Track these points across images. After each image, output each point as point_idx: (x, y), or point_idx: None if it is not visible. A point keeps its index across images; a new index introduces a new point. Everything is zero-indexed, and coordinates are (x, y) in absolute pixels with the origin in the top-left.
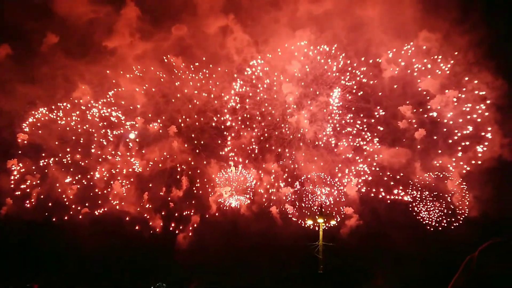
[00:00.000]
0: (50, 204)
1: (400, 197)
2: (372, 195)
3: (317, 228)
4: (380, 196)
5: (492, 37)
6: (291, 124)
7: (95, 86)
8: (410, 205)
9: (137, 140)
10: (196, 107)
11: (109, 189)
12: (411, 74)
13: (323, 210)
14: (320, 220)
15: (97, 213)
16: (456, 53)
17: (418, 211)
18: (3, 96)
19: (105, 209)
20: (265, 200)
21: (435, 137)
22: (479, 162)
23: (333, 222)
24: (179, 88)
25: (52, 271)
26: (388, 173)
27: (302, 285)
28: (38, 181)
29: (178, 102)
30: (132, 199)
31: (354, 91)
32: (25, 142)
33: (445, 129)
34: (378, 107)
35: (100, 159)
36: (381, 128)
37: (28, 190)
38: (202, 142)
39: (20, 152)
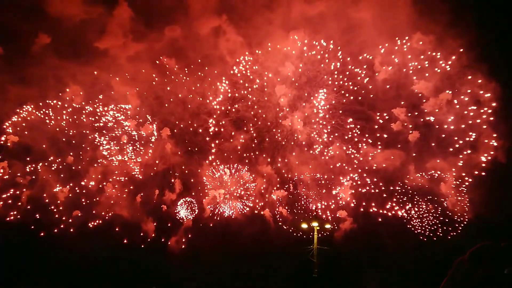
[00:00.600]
0: (39, 207)
1: (393, 211)
2: (364, 203)
3: (311, 236)
4: (373, 209)
5: (486, 40)
6: (284, 126)
7: (87, 88)
8: (405, 218)
9: (130, 142)
10: (189, 109)
11: (101, 192)
12: (404, 76)
13: (317, 213)
14: (315, 224)
15: (88, 218)
16: (453, 56)
17: (413, 223)
18: None
19: (97, 212)
20: (259, 203)
21: (429, 140)
22: (474, 165)
23: (327, 226)
24: (172, 90)
25: (41, 276)
26: (380, 181)
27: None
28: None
29: (171, 104)
30: (124, 203)
31: (347, 94)
32: (9, 144)
33: (439, 132)
34: (373, 111)
35: (91, 162)
36: (375, 131)
37: (17, 192)
38: (195, 146)
39: (9, 153)
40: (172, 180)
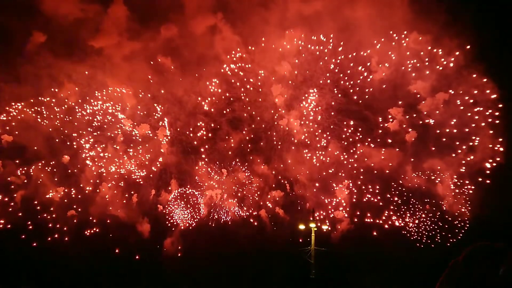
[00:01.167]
0: (34, 207)
1: (390, 220)
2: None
3: (308, 239)
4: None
5: (483, 39)
6: (281, 126)
7: (82, 87)
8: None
9: (126, 142)
10: (185, 109)
11: (96, 192)
12: (401, 76)
13: (315, 214)
14: (312, 225)
15: (83, 219)
16: (450, 56)
17: (409, 229)
18: None
19: (91, 213)
20: (255, 204)
21: (426, 140)
22: (472, 165)
23: (325, 227)
24: (168, 90)
25: (34, 277)
26: (377, 181)
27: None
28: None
29: (167, 104)
30: (119, 203)
31: (340, 95)
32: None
33: (436, 132)
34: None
35: (87, 161)
36: (372, 130)
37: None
38: (191, 146)
39: (3, 153)
40: (169, 180)
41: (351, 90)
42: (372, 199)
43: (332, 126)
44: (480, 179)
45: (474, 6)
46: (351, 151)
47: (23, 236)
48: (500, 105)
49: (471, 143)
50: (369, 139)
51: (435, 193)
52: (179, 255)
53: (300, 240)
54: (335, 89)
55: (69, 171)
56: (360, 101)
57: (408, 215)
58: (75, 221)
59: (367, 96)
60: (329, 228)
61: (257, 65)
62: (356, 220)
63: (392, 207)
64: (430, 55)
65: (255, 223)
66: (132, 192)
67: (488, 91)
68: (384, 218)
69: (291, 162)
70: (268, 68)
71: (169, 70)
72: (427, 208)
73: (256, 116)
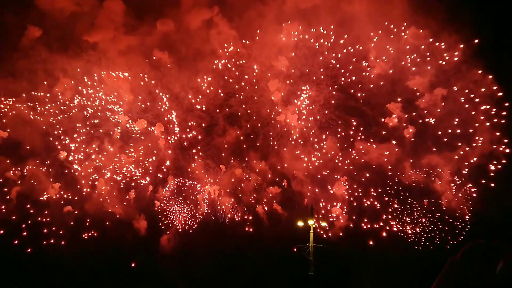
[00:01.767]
0: (29, 203)
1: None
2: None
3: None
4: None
5: (482, 35)
6: (278, 122)
7: (78, 82)
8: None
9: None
10: (182, 105)
11: (93, 188)
12: (399, 71)
13: (314, 211)
14: (311, 222)
15: (79, 213)
16: (449, 51)
17: (407, 230)
18: None
19: (88, 209)
20: (253, 200)
21: (424, 136)
22: (470, 162)
23: (323, 224)
24: (165, 85)
25: (30, 275)
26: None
27: (292, 287)
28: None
29: (165, 99)
30: (116, 199)
31: (335, 87)
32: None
33: (434, 128)
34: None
35: (83, 157)
36: (370, 126)
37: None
38: (188, 141)
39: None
40: (166, 177)
41: (349, 86)
42: (370, 196)
43: (328, 121)
44: (483, 181)
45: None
46: (349, 147)
47: (20, 234)
48: (501, 100)
49: (469, 137)
50: (367, 135)
51: (434, 191)
52: (175, 252)
53: (299, 232)
54: (334, 85)
55: (65, 167)
56: (358, 97)
57: (406, 214)
58: (71, 222)
59: (364, 94)
60: (327, 227)
61: (254, 60)
62: (354, 217)
63: (390, 204)
64: (429, 49)
65: (253, 220)
66: (129, 189)
67: (487, 86)
68: (383, 216)
69: (288, 158)
70: (265, 63)
71: (165, 65)
72: (425, 205)
73: (253, 112)
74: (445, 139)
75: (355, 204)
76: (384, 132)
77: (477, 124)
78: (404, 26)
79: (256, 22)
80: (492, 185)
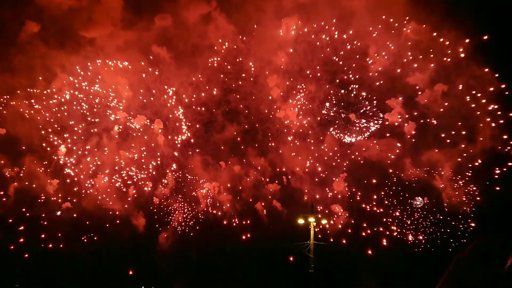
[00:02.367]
0: (28, 199)
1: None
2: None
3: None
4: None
5: (483, 31)
6: (277, 118)
7: (76, 78)
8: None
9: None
10: (181, 101)
11: (91, 185)
12: (400, 67)
13: (314, 208)
14: (311, 219)
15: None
16: (450, 47)
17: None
18: None
19: (86, 206)
20: (251, 197)
21: (425, 132)
22: (472, 159)
23: (324, 221)
24: (164, 81)
25: (27, 272)
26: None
27: (292, 285)
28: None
29: (163, 95)
30: (114, 196)
31: (337, 86)
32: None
33: (435, 124)
34: (365, 100)
35: (81, 154)
36: (370, 122)
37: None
38: (188, 138)
39: None
40: (165, 173)
41: (349, 81)
42: (370, 194)
43: (329, 118)
44: (486, 178)
45: None
46: (349, 144)
47: (18, 233)
48: (501, 96)
49: (469, 133)
50: (366, 131)
51: (435, 188)
52: (174, 250)
53: (299, 229)
54: (334, 81)
55: (63, 164)
56: (359, 93)
57: (406, 213)
58: (70, 219)
59: (364, 90)
60: (327, 226)
61: (253, 55)
62: (354, 214)
63: (390, 202)
64: (430, 45)
65: (252, 217)
66: (128, 186)
67: (488, 82)
68: (383, 214)
69: (288, 155)
70: (264, 58)
71: (163, 61)
72: (426, 203)
73: (252, 108)
74: (446, 136)
75: (354, 201)
76: (384, 129)
77: (480, 124)
78: (405, 21)
79: (254, 16)
80: (495, 182)
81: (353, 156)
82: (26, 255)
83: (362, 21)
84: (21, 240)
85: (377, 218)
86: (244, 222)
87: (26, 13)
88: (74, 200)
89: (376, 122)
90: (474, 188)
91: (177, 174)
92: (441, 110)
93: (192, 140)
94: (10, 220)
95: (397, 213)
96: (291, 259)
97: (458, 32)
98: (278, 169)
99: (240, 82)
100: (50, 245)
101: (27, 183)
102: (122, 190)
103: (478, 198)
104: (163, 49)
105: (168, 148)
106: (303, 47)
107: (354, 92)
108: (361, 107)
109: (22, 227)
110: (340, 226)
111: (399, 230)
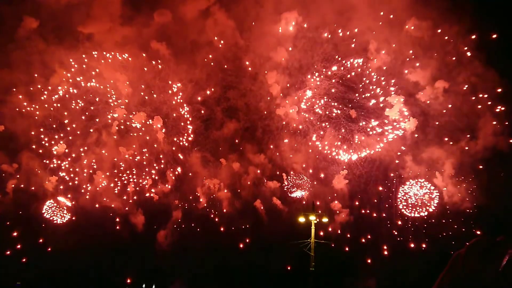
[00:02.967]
0: (27, 196)
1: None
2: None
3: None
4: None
5: (483, 28)
6: (277, 114)
7: (75, 73)
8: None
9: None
10: (181, 97)
11: (89, 182)
12: (400, 63)
13: (315, 206)
14: (312, 218)
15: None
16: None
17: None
18: None
19: (85, 203)
20: (252, 194)
21: (425, 129)
22: (471, 154)
23: (325, 220)
24: (164, 77)
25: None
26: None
27: (293, 283)
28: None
29: (163, 92)
30: (113, 193)
31: (332, 79)
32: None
33: (436, 120)
34: (365, 95)
35: (81, 150)
36: (370, 118)
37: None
38: (188, 135)
39: None
40: (165, 171)
41: (349, 78)
42: (370, 191)
43: (328, 113)
44: (479, 168)
45: None
46: (349, 140)
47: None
48: (502, 93)
49: (470, 130)
50: (366, 128)
51: (435, 185)
52: (173, 247)
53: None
54: (334, 77)
55: (62, 160)
56: (359, 89)
57: (407, 209)
58: (68, 217)
59: (364, 86)
60: (329, 219)
61: (252, 51)
62: (355, 211)
63: (390, 198)
64: (431, 41)
65: (253, 215)
66: (128, 183)
67: (489, 79)
68: (383, 212)
69: (288, 151)
70: (264, 55)
71: (163, 57)
72: (426, 200)
73: (252, 105)
74: (447, 132)
75: (355, 195)
76: (384, 125)
77: (476, 114)
78: (408, 19)
79: (254, 12)
80: (496, 179)
81: (353, 152)
82: (24, 260)
83: (363, 16)
84: (20, 240)
85: (377, 215)
86: (243, 220)
87: (24, 9)
88: (72, 200)
89: (376, 118)
90: (475, 184)
91: (177, 171)
92: (442, 105)
93: (191, 137)
94: (8, 223)
95: (397, 209)
96: (292, 257)
97: (459, 28)
98: (278, 166)
99: (239, 79)
100: (49, 249)
101: (22, 186)
102: (121, 188)
103: (477, 190)
104: (163, 45)
105: (168, 145)
106: (303, 42)
107: (355, 88)
108: (361, 103)
109: (20, 226)
110: (340, 224)
111: (400, 225)
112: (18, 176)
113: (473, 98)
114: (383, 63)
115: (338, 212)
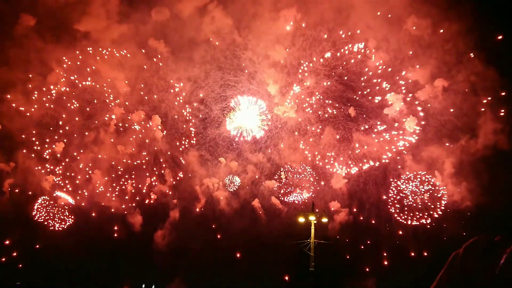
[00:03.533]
0: (24, 195)
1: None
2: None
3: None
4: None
5: (483, 26)
6: (276, 113)
7: (72, 72)
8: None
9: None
10: (179, 96)
11: (88, 181)
12: (399, 62)
13: (314, 206)
14: (312, 218)
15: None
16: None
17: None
18: None
19: (82, 203)
20: (251, 193)
21: (425, 128)
22: (471, 153)
23: (325, 220)
24: (162, 76)
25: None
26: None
27: (293, 283)
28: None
29: (161, 91)
30: (111, 193)
31: (336, 80)
32: None
33: (435, 119)
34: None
35: (78, 150)
36: (370, 117)
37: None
38: (186, 134)
39: None
40: (163, 170)
41: (348, 76)
42: (369, 190)
43: (327, 112)
44: (479, 166)
45: None
46: (348, 139)
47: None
48: (502, 91)
49: (470, 128)
50: (366, 126)
51: (435, 184)
52: (172, 247)
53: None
54: (333, 76)
55: (60, 159)
56: (358, 87)
57: (406, 208)
58: (66, 215)
59: (363, 84)
60: (329, 219)
61: (251, 50)
62: (354, 210)
63: (390, 197)
64: (431, 39)
65: (254, 214)
66: (126, 182)
67: (489, 78)
68: (383, 211)
69: (287, 150)
70: (262, 53)
71: (162, 55)
72: (426, 199)
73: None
74: (447, 131)
75: (354, 195)
76: (384, 123)
77: (475, 112)
78: (404, 17)
79: (252, 11)
80: (496, 178)
81: (352, 152)
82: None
83: (362, 14)
84: (17, 240)
85: (377, 215)
86: (243, 219)
87: (21, 6)
88: (71, 198)
89: (375, 117)
90: (475, 183)
91: (176, 171)
92: (441, 103)
93: (190, 136)
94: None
95: (397, 208)
96: (292, 257)
97: (458, 27)
98: (276, 165)
99: (238, 77)
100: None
101: (19, 185)
102: (119, 187)
103: (478, 189)
104: (160, 44)
105: (166, 145)
106: (301, 41)
107: (354, 87)
108: (360, 101)
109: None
110: (340, 224)
111: (400, 224)
112: (14, 174)
113: (473, 97)
114: (382, 61)
115: (338, 212)
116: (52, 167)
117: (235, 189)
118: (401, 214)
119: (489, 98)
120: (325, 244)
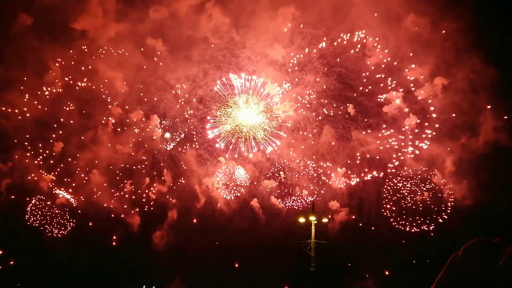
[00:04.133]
0: (21, 194)
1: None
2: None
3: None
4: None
5: (482, 24)
6: (275, 112)
7: (70, 72)
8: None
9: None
10: (178, 96)
11: (86, 181)
12: (399, 60)
13: (314, 206)
14: (312, 218)
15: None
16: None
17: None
18: None
19: (81, 203)
20: (250, 193)
21: (425, 126)
22: (470, 151)
23: (325, 220)
24: (160, 75)
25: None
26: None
27: (293, 283)
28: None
29: (159, 90)
30: (109, 193)
31: (334, 77)
32: None
33: (435, 117)
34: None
35: (77, 149)
36: (369, 116)
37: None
38: (186, 133)
39: None
40: (162, 170)
41: (347, 75)
42: (369, 189)
43: (327, 112)
44: (479, 164)
45: None
46: (347, 137)
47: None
48: (502, 90)
49: (470, 126)
50: (365, 125)
51: (435, 182)
52: (172, 247)
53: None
54: (332, 74)
55: (58, 159)
56: (357, 86)
57: (406, 208)
58: (65, 215)
59: (362, 83)
60: (329, 218)
61: (249, 49)
62: (354, 210)
63: (390, 197)
64: (430, 37)
65: (254, 215)
66: (124, 182)
67: (488, 75)
68: (383, 210)
69: (286, 149)
70: (261, 52)
71: (160, 54)
72: (426, 198)
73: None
74: (446, 129)
75: (354, 194)
76: (383, 122)
77: (475, 111)
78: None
79: (250, 9)
80: (496, 176)
81: (352, 150)
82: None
83: (360, 13)
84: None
85: (377, 215)
86: (243, 219)
87: (18, 5)
88: (69, 197)
89: (375, 115)
90: (475, 182)
91: (174, 170)
92: (441, 101)
93: (189, 136)
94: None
95: (397, 207)
96: (292, 257)
97: (457, 24)
98: (275, 165)
99: (237, 75)
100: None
101: (16, 184)
102: (118, 187)
103: (477, 188)
104: (158, 43)
105: (165, 144)
106: (299, 40)
107: (353, 85)
108: (359, 100)
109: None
110: (340, 223)
111: (401, 223)
112: (12, 174)
113: (473, 95)
114: (381, 60)
115: (338, 212)
116: (50, 165)
117: (235, 189)
118: (399, 219)
119: (489, 98)
120: (325, 244)
